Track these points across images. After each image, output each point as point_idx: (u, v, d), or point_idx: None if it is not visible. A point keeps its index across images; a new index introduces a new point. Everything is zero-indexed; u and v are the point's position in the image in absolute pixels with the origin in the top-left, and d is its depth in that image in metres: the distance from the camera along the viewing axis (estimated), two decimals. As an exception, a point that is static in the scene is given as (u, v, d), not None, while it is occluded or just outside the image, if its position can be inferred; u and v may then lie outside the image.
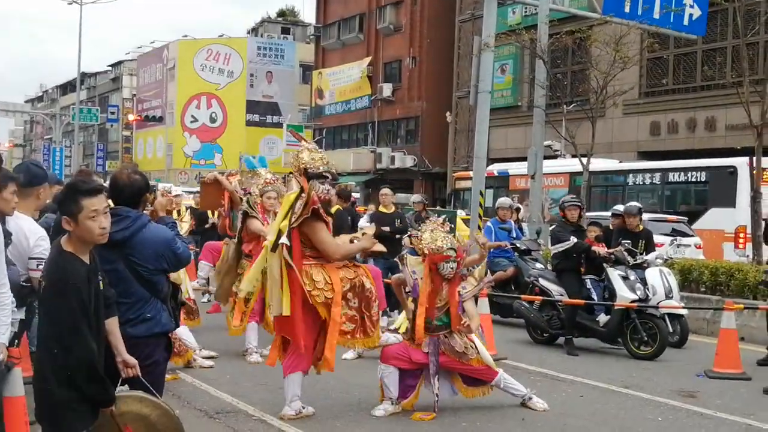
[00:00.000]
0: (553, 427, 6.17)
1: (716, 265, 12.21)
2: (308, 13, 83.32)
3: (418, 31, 39.39)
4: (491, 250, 11.85)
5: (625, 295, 9.39)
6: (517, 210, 13.91)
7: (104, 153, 66.22)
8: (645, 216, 18.31)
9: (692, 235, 17.15)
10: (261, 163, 9.82)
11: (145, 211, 4.41)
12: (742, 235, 17.31)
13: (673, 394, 7.46)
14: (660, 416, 6.64)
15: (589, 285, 9.78)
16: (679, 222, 17.42)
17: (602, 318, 9.61)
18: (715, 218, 18.31)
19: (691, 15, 17.70)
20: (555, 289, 9.90)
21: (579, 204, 10.10)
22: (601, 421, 6.41)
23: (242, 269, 8.41)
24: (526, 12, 29.25)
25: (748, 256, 15.25)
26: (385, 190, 11.86)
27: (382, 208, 11.68)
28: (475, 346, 6.52)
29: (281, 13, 63.36)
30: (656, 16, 17.18)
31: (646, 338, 9.26)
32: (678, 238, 16.45)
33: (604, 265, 9.73)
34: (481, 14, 18.72)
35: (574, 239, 9.58)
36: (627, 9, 16.98)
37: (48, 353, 3.56)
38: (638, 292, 9.42)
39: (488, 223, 12.46)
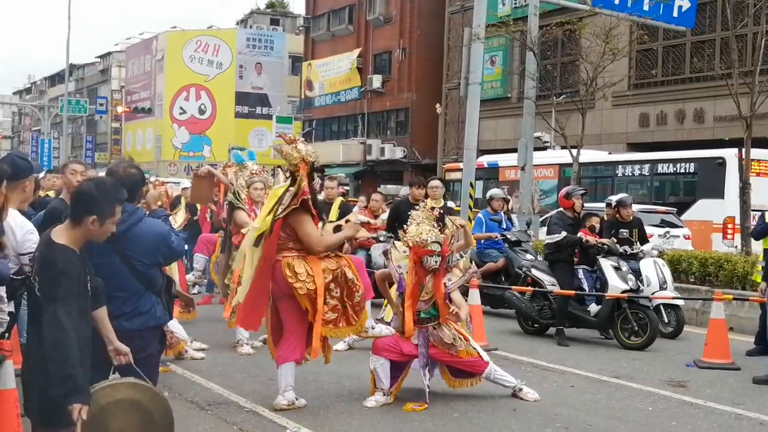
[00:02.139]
0: (544, 417, 6.19)
1: (705, 256, 12.26)
2: (298, 4, 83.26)
3: (408, 23, 39.32)
4: (481, 241, 11.88)
5: (616, 285, 9.43)
6: (507, 201, 13.94)
7: (93, 145, 65.89)
8: (635, 207, 18.47)
9: (681, 226, 17.23)
10: (250, 157, 9.77)
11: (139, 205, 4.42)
12: (730, 226, 17.41)
13: (663, 383, 7.50)
14: (650, 406, 6.68)
15: (581, 275, 9.78)
16: (668, 213, 17.49)
17: (593, 308, 9.64)
18: (703, 209, 18.40)
19: (680, 7, 17.69)
20: (547, 280, 9.91)
21: (585, 192, 10.32)
22: (591, 411, 6.44)
23: (233, 261, 8.42)
24: (516, 3, 29.27)
25: (736, 246, 15.34)
26: (435, 182, 10.65)
27: (430, 202, 11.12)
28: (464, 338, 6.54)
29: (270, 5, 63.09)
30: (646, 7, 17.17)
31: (636, 328, 9.31)
32: (668, 229, 16.54)
33: (601, 256, 9.76)
34: (471, 6, 18.71)
35: (564, 233, 9.58)
36: (617, 1, 16.98)
37: (38, 347, 3.53)
38: (630, 283, 9.47)
39: (479, 215, 12.41)
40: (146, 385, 3.86)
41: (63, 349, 3.41)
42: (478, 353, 6.60)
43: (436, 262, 6.37)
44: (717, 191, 18.17)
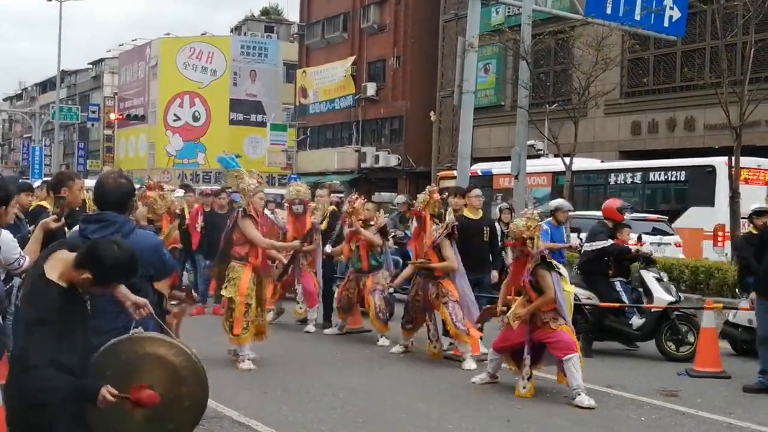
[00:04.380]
0: (538, 427, 6.24)
1: (696, 264, 12.34)
2: (292, 12, 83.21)
3: (402, 31, 39.41)
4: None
5: (662, 297, 9.28)
6: (510, 210, 13.64)
7: (85, 152, 65.66)
8: (626, 215, 18.50)
9: (672, 234, 17.31)
10: (233, 163, 9.56)
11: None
12: (720, 233, 17.50)
13: (655, 393, 7.56)
14: (643, 416, 6.73)
15: (618, 287, 9.53)
16: (659, 221, 17.58)
17: (636, 321, 9.43)
18: (694, 217, 18.48)
19: (671, 17, 17.77)
20: (580, 293, 9.49)
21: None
22: (585, 422, 6.48)
23: (235, 273, 8.13)
24: (509, 12, 29.32)
25: (726, 254, 15.42)
26: (476, 191, 9.91)
27: (468, 213, 9.55)
28: (563, 320, 7.27)
29: (265, 12, 63.17)
30: (637, 17, 17.23)
31: (688, 339, 9.17)
32: (659, 236, 16.60)
33: (640, 268, 9.63)
34: (465, 14, 18.75)
35: (610, 240, 9.43)
36: (608, 10, 17.04)
37: (18, 375, 3.46)
38: (672, 294, 9.36)
39: (543, 225, 11.38)
40: (170, 340, 3.78)
41: (56, 387, 3.39)
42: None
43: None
44: (707, 199, 18.27)
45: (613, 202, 10.13)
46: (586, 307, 9.50)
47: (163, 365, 3.69)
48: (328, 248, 10.84)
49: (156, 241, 4.29)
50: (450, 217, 8.65)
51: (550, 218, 11.41)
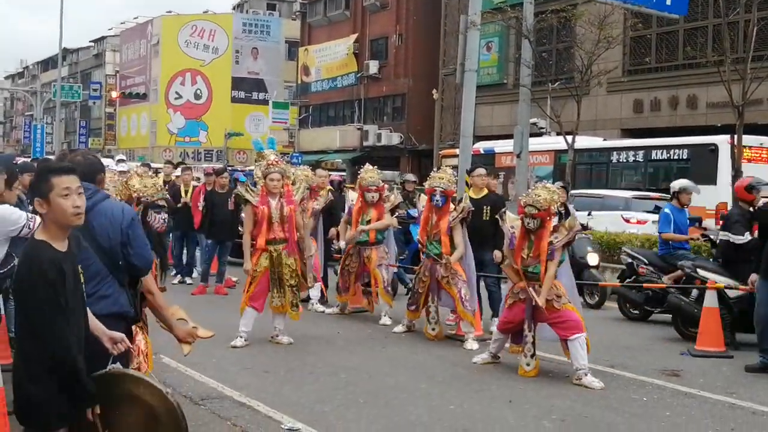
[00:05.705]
0: (541, 408, 6.23)
1: (699, 244, 12.27)
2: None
3: (405, 8, 39.20)
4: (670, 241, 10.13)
5: None
6: (565, 189, 11.04)
7: (87, 130, 65.51)
8: (628, 194, 18.44)
9: (675, 213, 17.27)
10: (270, 145, 9.65)
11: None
12: (723, 212, 17.47)
13: (657, 372, 7.55)
14: (645, 396, 6.72)
15: None
16: (661, 199, 17.54)
17: None
18: (696, 195, 18.41)
19: (673, -5, 17.66)
20: (723, 281, 8.88)
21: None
22: (587, 402, 6.48)
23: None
24: (511, -11, 29.15)
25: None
26: (480, 170, 9.67)
27: (471, 193, 9.41)
28: (566, 298, 7.24)
29: (266, -11, 62.72)
30: (639, -5, 17.12)
31: None
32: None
33: None
34: (467, -8, 18.59)
35: (747, 234, 8.71)
36: (611, -12, 16.90)
37: (23, 347, 3.43)
38: None
39: (665, 210, 10.16)
40: (145, 379, 3.73)
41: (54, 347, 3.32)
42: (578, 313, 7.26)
43: (533, 223, 7.08)
44: (709, 177, 18.22)
45: (743, 181, 9.10)
46: (732, 299, 8.82)
47: (139, 405, 3.62)
48: (342, 243, 10.71)
49: (128, 207, 4.29)
50: (466, 202, 8.66)
51: (672, 201, 10.29)
